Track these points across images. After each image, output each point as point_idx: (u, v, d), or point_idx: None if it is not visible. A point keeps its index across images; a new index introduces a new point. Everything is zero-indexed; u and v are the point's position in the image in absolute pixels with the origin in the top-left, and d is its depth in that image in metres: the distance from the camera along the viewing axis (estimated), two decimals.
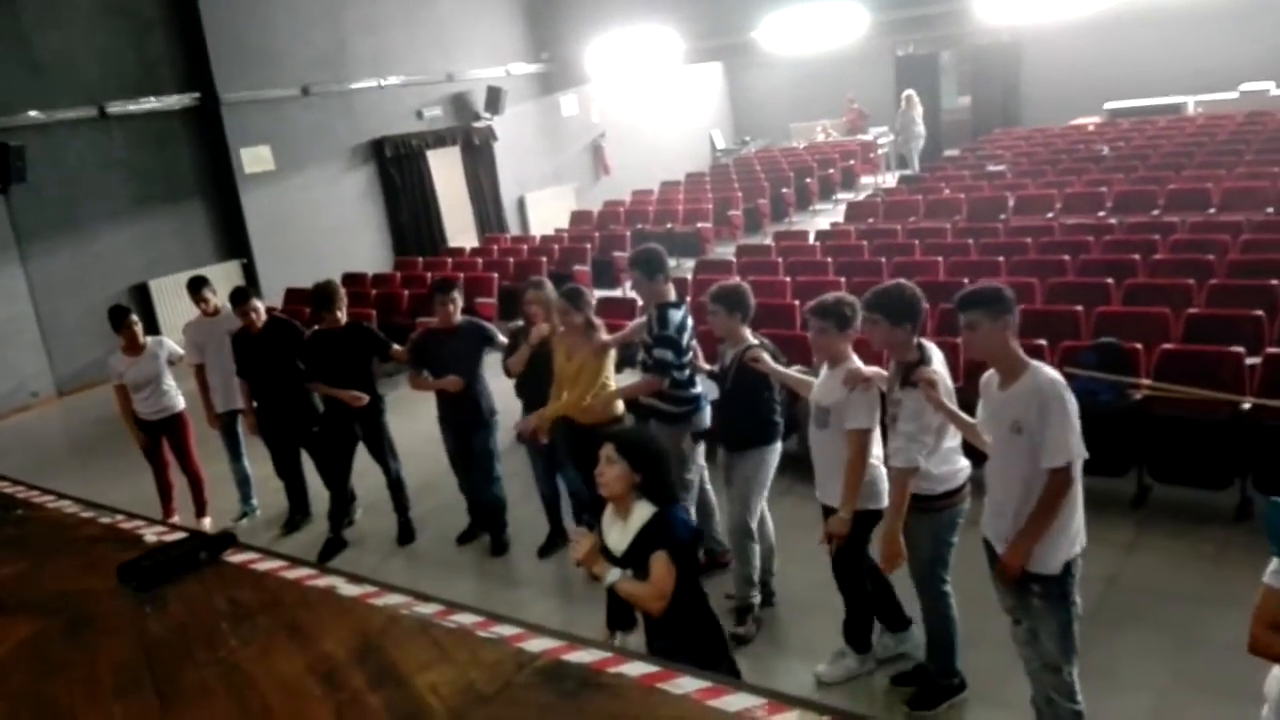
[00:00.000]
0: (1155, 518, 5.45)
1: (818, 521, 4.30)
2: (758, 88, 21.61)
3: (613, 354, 5.40)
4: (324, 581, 3.19)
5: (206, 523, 6.91)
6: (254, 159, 12.55)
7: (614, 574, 3.05)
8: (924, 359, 3.75)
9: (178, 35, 11.99)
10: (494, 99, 15.51)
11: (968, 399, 3.82)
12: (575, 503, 5.90)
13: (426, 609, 2.94)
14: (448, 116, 15.20)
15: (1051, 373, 3.32)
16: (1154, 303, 6.62)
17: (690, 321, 5.18)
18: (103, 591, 3.33)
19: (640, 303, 6.16)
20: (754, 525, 4.73)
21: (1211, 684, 4.07)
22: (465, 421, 6.01)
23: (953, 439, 3.81)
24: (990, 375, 3.48)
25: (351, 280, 11.77)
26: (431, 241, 14.49)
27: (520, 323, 5.80)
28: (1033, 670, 3.64)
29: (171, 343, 6.93)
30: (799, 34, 14.91)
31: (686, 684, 2.39)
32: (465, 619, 2.84)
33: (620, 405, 5.33)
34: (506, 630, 2.73)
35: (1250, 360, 5.42)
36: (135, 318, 6.73)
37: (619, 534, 3.14)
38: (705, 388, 5.12)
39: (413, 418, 7.11)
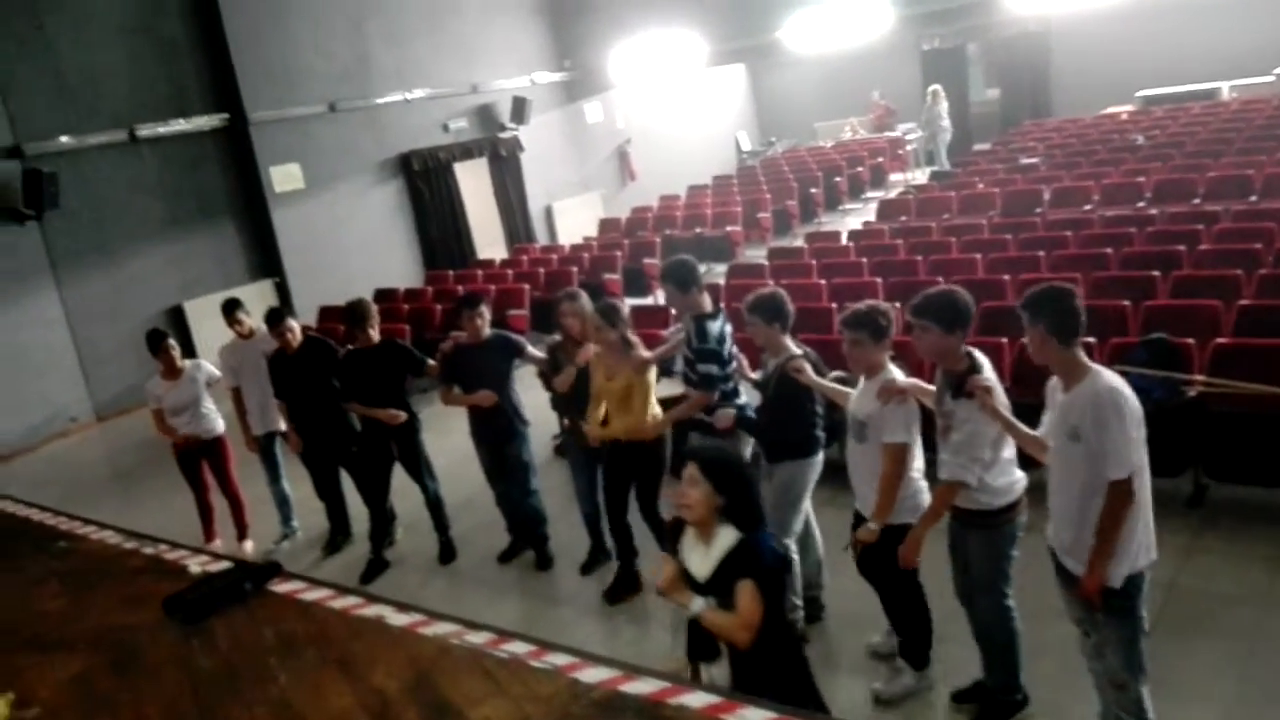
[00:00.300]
0: (1213, 518, 5.29)
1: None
2: (782, 88, 21.49)
3: (654, 370, 5.30)
4: (372, 611, 3.14)
5: (248, 545, 6.92)
6: (284, 177, 12.61)
7: (699, 604, 2.91)
8: (974, 367, 3.63)
9: (204, 56, 12.07)
10: (519, 109, 15.51)
11: (1019, 403, 3.71)
12: (589, 522, 5.86)
13: (477, 638, 2.88)
14: (474, 128, 15.21)
15: (1112, 379, 3.19)
16: (1202, 295, 6.44)
17: (730, 329, 5.10)
18: (148, 625, 3.30)
19: (674, 312, 6.08)
20: (790, 541, 4.59)
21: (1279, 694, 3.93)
22: (498, 434, 5.95)
23: (1009, 450, 3.68)
24: (1055, 380, 3.36)
25: (383, 296, 11.80)
26: (461, 254, 14.49)
27: (558, 337, 5.72)
28: (1101, 685, 3.52)
29: (209, 365, 6.93)
30: (823, 32, 14.78)
31: (751, 715, 2.31)
32: (517, 648, 2.78)
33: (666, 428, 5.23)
34: (560, 659, 2.66)
35: None
36: (172, 341, 6.74)
37: (701, 559, 3.01)
38: (749, 397, 5.04)
39: (446, 434, 7.07)
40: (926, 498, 3.97)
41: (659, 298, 11.17)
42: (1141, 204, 10.03)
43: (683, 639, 3.19)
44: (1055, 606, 3.67)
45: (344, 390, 6.26)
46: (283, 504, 7.11)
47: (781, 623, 2.99)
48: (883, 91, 19.72)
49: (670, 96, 18.66)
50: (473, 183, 15.09)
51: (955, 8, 14.72)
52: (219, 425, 6.82)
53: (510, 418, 5.94)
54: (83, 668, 3.10)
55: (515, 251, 14.22)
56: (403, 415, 6.03)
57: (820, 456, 4.66)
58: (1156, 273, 6.97)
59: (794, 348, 4.54)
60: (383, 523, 6.37)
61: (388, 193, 13.98)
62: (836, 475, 5.17)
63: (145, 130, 11.44)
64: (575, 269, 11.55)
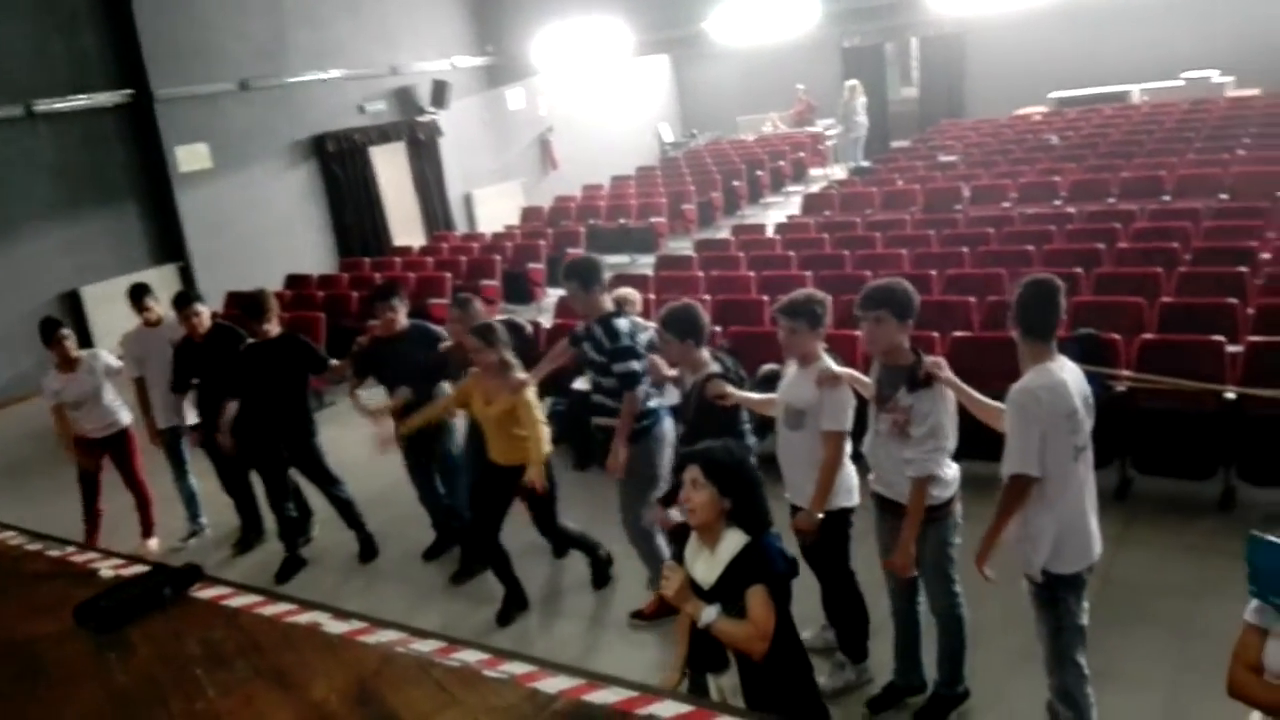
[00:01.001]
0: (1140, 511, 5.39)
1: (788, 523, 4.14)
2: (705, 80, 21.48)
3: (534, 389, 5.00)
4: (306, 618, 2.93)
5: (153, 543, 6.56)
6: (190, 157, 12.05)
7: (709, 613, 2.76)
8: (920, 357, 3.60)
9: (108, 30, 11.43)
10: (439, 92, 15.14)
11: None
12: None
13: (424, 646, 2.70)
14: (392, 111, 14.79)
15: (1038, 380, 3.22)
16: (1124, 292, 6.58)
17: (640, 323, 4.96)
18: (57, 636, 3.04)
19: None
20: None
21: (1218, 678, 3.98)
22: (423, 432, 5.59)
23: (952, 442, 3.67)
24: None
25: (296, 283, 11.39)
26: (376, 240, 14.09)
27: (449, 343, 5.49)
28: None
29: (107, 354, 6.54)
30: (749, 25, 14.78)
31: None
32: (468, 656, 2.62)
33: (548, 445, 4.91)
34: (517, 668, 2.50)
35: (1231, 348, 5.38)
36: (67, 331, 6.32)
37: (706, 566, 2.87)
38: (669, 396, 4.90)
39: (361, 426, 6.77)
40: (855, 481, 3.98)
41: (541, 305, 11.00)
42: (1058, 202, 10.25)
43: (680, 650, 3.05)
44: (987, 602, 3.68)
45: (238, 386, 5.93)
46: (190, 501, 6.77)
47: (792, 630, 2.87)
48: (805, 87, 19.85)
49: (593, 86, 18.47)
50: (390, 167, 14.68)
51: (878, 6, 14.89)
52: (124, 417, 6.45)
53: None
54: None
55: (434, 239, 13.88)
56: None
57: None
58: (1079, 270, 7.09)
59: (710, 363, 4.33)
60: (289, 522, 6.06)
61: (301, 175, 13.49)
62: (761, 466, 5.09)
63: (43, 105, 10.79)
64: (498, 258, 11.32)
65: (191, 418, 6.50)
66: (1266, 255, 6.99)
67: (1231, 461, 5.17)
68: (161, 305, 6.63)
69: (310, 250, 13.35)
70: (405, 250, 12.99)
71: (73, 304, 10.92)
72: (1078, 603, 3.34)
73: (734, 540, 2.83)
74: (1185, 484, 5.38)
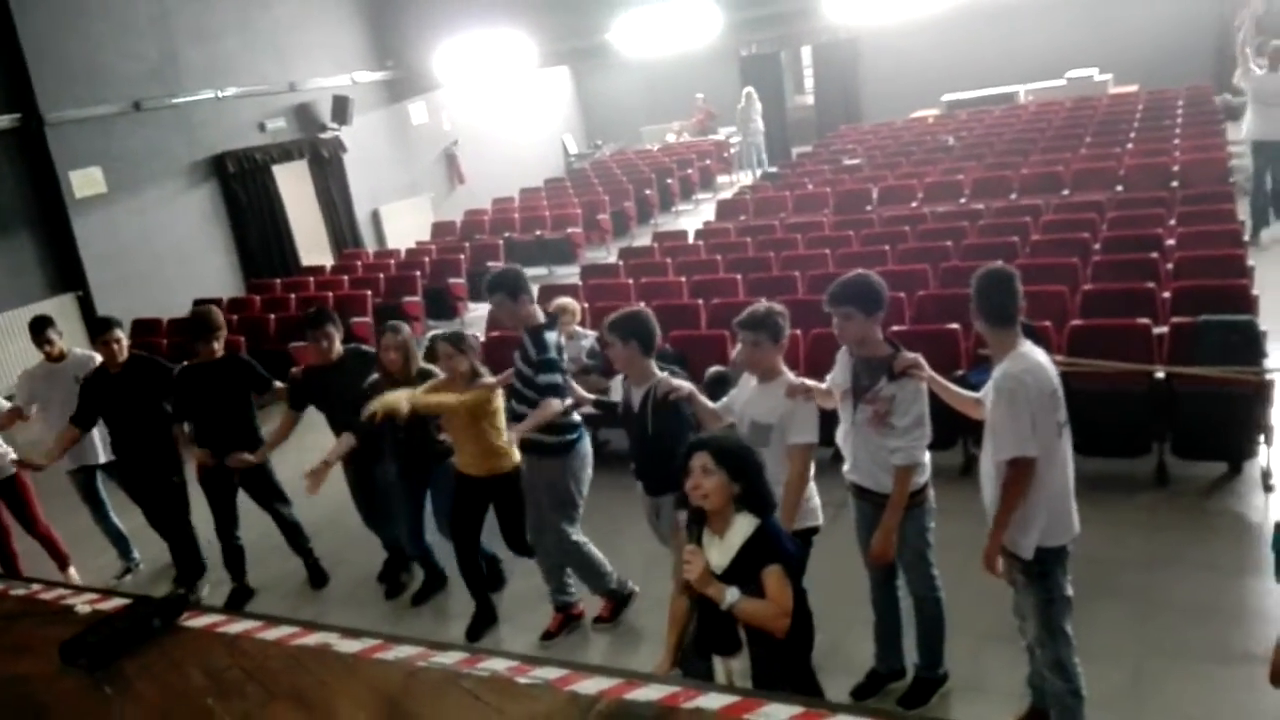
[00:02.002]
0: (1081, 489, 5.60)
1: None
2: (607, 91, 21.59)
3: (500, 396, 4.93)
4: (313, 639, 2.84)
5: (72, 573, 6.22)
6: (84, 182, 11.53)
7: (733, 594, 2.78)
8: (898, 350, 3.70)
9: None
10: (340, 108, 14.84)
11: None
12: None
13: (447, 658, 2.65)
14: (292, 128, 14.43)
15: (1022, 364, 3.34)
16: (1044, 282, 6.85)
17: (563, 340, 4.89)
18: (43, 676, 2.88)
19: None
20: None
21: (1182, 648, 4.22)
22: (365, 453, 5.43)
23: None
24: None
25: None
26: (283, 261, 13.71)
27: (375, 376, 5.20)
28: (1028, 645, 3.68)
29: None
30: (651, 35, 14.93)
31: (776, 711, 2.22)
32: (496, 665, 2.58)
33: (517, 454, 4.89)
34: (550, 673, 2.49)
35: (1156, 330, 5.68)
36: None
37: (718, 551, 2.89)
38: (615, 390, 4.84)
39: (303, 450, 6.56)
40: (818, 500, 3.96)
41: (465, 320, 10.92)
42: (963, 200, 10.64)
43: (672, 638, 3.07)
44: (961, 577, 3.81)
45: (178, 410, 5.71)
46: (118, 540, 6.46)
47: (804, 610, 2.92)
48: (705, 95, 20.14)
49: (496, 98, 18.37)
50: (293, 186, 14.31)
51: (774, 14, 15.21)
52: (8, 462, 5.97)
53: (379, 439, 5.38)
54: None
55: (345, 257, 13.60)
56: (250, 458, 5.54)
57: None
58: (1000, 262, 7.36)
59: (657, 371, 4.24)
60: (237, 549, 5.85)
61: (201, 196, 13.04)
62: None
63: None
64: (417, 273, 11.16)
65: (104, 456, 6.20)
66: (1171, 241, 7.38)
67: (1164, 438, 5.45)
68: (64, 339, 6.31)
69: (214, 274, 12.91)
70: (318, 270, 12.69)
71: None
72: (1064, 574, 3.48)
73: (745, 524, 2.88)
74: (1121, 462, 5.64)
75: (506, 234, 13.38)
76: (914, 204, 10.83)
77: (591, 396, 4.71)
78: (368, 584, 5.88)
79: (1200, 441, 5.33)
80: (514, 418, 4.79)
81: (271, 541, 6.14)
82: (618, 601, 5.08)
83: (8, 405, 6.17)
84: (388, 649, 2.70)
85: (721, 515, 2.89)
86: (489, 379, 4.80)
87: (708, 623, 2.92)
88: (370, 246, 15.16)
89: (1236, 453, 5.45)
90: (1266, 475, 5.37)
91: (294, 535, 5.94)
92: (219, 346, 5.61)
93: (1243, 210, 9.11)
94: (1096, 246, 7.63)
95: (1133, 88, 15.47)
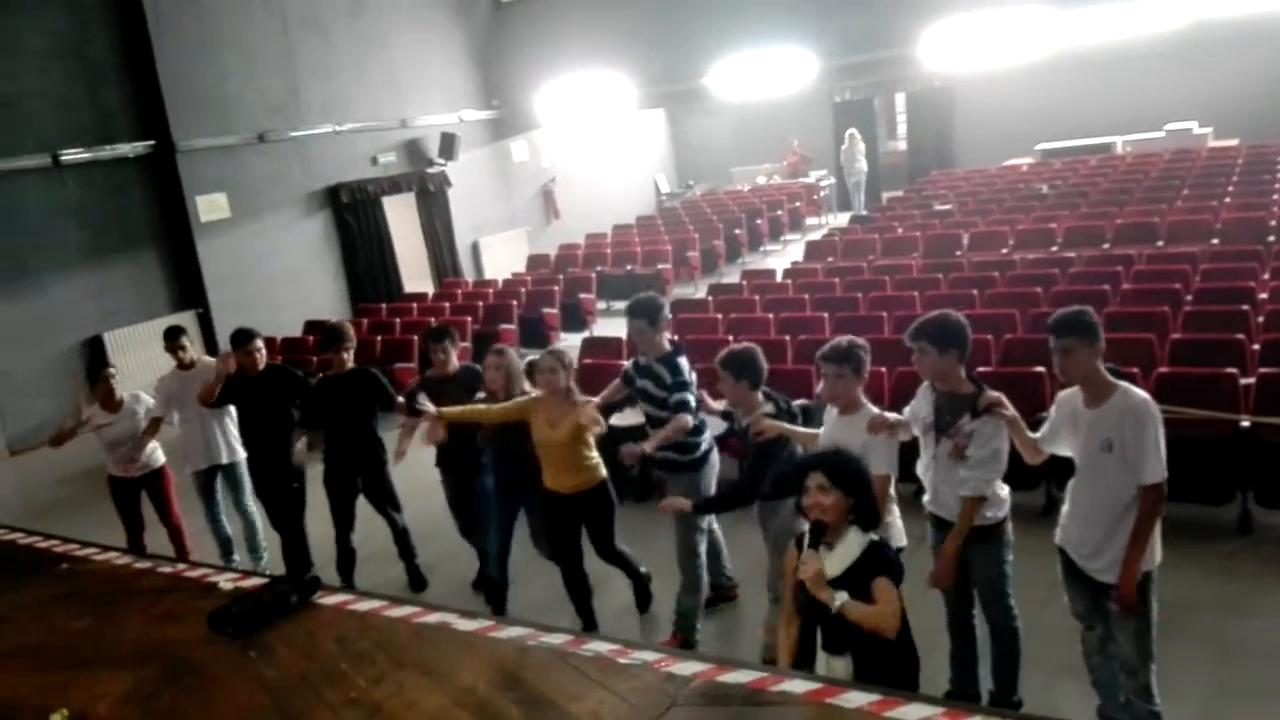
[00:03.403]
0: (1164, 533, 5.66)
1: None
2: (699, 132, 22.05)
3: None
4: (434, 618, 3.16)
5: None
6: (209, 206, 12.32)
7: (842, 596, 2.95)
8: (981, 389, 3.87)
9: (132, 83, 11.75)
10: (448, 145, 15.52)
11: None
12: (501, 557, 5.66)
13: (555, 639, 2.94)
14: (402, 163, 15.15)
15: (1143, 393, 3.49)
16: (1134, 330, 6.91)
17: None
18: (193, 640, 3.24)
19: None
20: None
21: (1253, 690, 4.25)
22: (465, 467, 5.85)
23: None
24: (1071, 394, 3.62)
25: (315, 328, 11.60)
26: (387, 287, 14.35)
27: (481, 395, 5.52)
28: (1102, 680, 3.78)
29: (148, 397, 6.63)
30: (748, 80, 15.27)
31: (856, 698, 2.44)
32: (600, 647, 2.85)
33: (602, 470, 5.11)
34: (648, 655, 2.75)
35: (1242, 381, 5.71)
36: (114, 370, 6.49)
37: (829, 561, 3.06)
38: (712, 426, 5.10)
39: (406, 464, 6.96)
40: (900, 521, 4.14)
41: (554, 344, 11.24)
42: (1054, 248, 10.67)
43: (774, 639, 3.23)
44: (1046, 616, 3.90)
45: (308, 418, 6.15)
46: (224, 542, 6.76)
47: (904, 618, 3.07)
48: (799, 140, 20.43)
49: (592, 138, 18.95)
50: (400, 216, 14.99)
51: (871, 62, 15.38)
52: (160, 457, 6.54)
53: (478, 452, 5.81)
54: (133, 682, 3.01)
55: (446, 285, 14.17)
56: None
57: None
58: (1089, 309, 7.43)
59: (764, 404, 4.47)
60: (350, 552, 6.23)
61: (315, 224, 13.78)
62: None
63: (69, 156, 11.05)
64: (514, 303, 11.61)
65: (225, 457, 6.62)
66: (1264, 295, 7.36)
67: (1248, 486, 5.47)
68: (194, 349, 6.80)
69: (324, 297, 13.60)
70: (419, 297, 13.27)
71: (95, 349, 11.06)
72: (1155, 599, 3.59)
73: (857, 538, 3.06)
74: (1204, 508, 5.66)
75: (599, 268, 13.79)
76: (1004, 250, 10.90)
77: (717, 405, 4.95)
78: (463, 591, 6.18)
79: None
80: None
81: (371, 549, 6.50)
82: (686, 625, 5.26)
83: (153, 402, 6.65)
84: (500, 629, 3.00)
85: (835, 529, 3.07)
86: (581, 398, 5.06)
87: (818, 622, 3.08)
88: (469, 276, 15.76)
89: None
90: None
91: (403, 540, 6.30)
92: (349, 358, 6.02)
93: None
94: (1188, 297, 7.64)
95: (1233, 141, 15.25)
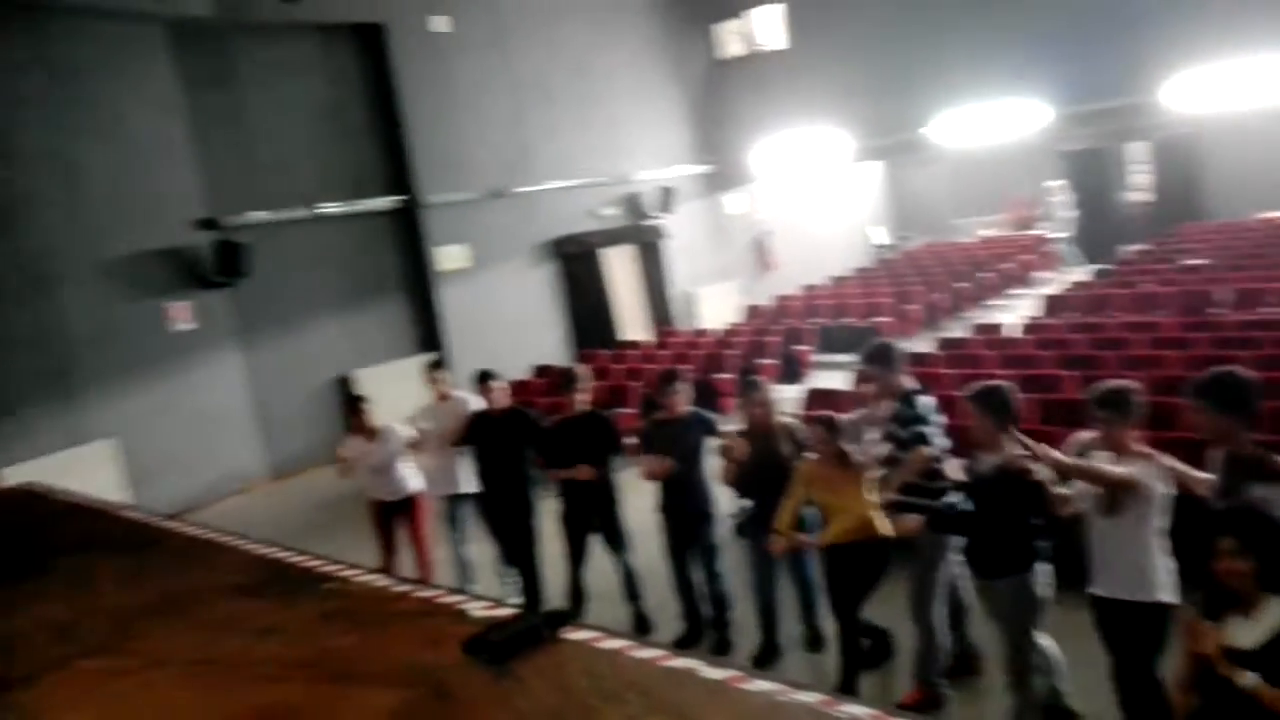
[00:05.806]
0: None
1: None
2: (916, 183, 21.58)
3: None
4: (680, 663, 3.14)
5: None
6: (448, 257, 13.19)
7: (1252, 677, 2.78)
8: (1264, 455, 3.54)
9: (383, 144, 12.84)
10: (665, 199, 15.92)
11: None
12: (765, 613, 5.72)
13: (807, 697, 2.85)
14: (622, 216, 15.66)
15: None
16: None
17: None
18: (451, 665, 3.35)
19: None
20: (1030, 658, 4.38)
21: None
22: (690, 513, 5.89)
23: None
24: None
25: (544, 373, 12.07)
26: (607, 335, 14.80)
27: (741, 426, 5.67)
28: None
29: (400, 431, 7.08)
30: (972, 129, 14.84)
31: None
32: (856, 710, 2.74)
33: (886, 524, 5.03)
34: None
35: None
36: (368, 402, 6.97)
37: (1246, 630, 2.90)
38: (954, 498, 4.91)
39: (639, 502, 7.05)
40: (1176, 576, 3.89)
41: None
42: None
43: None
44: None
45: (546, 458, 6.36)
46: (464, 568, 7.11)
47: None
48: (1027, 191, 19.63)
49: (807, 189, 18.91)
50: (619, 267, 15.49)
51: (1109, 109, 14.60)
52: (414, 484, 6.96)
53: (704, 497, 5.90)
54: (399, 701, 3.15)
55: (662, 334, 14.43)
56: (588, 470, 6.03)
57: (1039, 568, 4.31)
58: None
59: (1017, 449, 4.12)
60: (581, 589, 6.37)
61: (541, 274, 14.45)
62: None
63: (327, 209, 12.13)
64: (735, 352, 11.65)
65: (471, 486, 6.96)
66: None
67: None
68: (449, 382, 7.21)
69: (549, 343, 14.22)
70: (636, 344, 13.57)
71: (344, 386, 11.98)
72: None
73: (1274, 607, 2.84)
74: None
75: (816, 319, 13.67)
76: (1264, 309, 9.98)
77: (957, 475, 4.69)
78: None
79: None
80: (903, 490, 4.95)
81: (597, 589, 6.61)
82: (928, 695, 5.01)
83: (407, 432, 7.08)
84: (748, 681, 2.93)
85: (1250, 596, 2.88)
86: (861, 459, 5.02)
87: (1215, 697, 2.90)
88: (682, 325, 16.00)
89: None
90: None
91: (631, 582, 6.39)
92: (582, 398, 6.24)
93: None
94: None
95: None
